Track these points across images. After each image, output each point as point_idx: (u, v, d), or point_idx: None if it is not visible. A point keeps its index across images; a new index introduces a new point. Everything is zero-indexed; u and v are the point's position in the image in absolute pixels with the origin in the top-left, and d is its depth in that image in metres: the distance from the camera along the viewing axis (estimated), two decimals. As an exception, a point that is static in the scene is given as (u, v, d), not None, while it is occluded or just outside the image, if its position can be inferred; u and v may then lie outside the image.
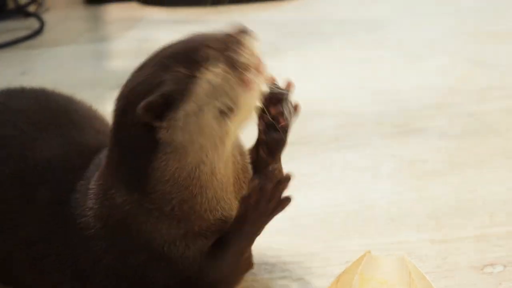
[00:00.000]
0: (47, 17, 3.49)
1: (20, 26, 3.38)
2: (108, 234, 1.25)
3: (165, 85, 1.18)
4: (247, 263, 1.32)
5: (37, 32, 3.28)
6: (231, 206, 1.27)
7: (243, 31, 1.24)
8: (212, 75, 1.19)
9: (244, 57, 1.21)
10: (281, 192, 1.24)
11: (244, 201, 1.23)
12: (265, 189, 1.22)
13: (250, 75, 1.20)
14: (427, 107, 2.16)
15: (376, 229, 1.54)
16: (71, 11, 3.66)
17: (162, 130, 1.17)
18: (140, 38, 3.11)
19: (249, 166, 1.33)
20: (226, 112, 1.19)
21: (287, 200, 1.24)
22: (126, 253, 1.24)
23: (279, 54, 2.73)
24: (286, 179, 1.24)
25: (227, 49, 1.21)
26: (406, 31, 2.94)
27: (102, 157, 1.32)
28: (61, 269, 1.30)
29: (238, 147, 1.31)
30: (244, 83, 1.19)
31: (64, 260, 1.30)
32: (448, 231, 1.51)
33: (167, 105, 1.17)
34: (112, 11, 3.63)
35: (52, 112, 1.42)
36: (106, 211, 1.24)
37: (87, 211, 1.27)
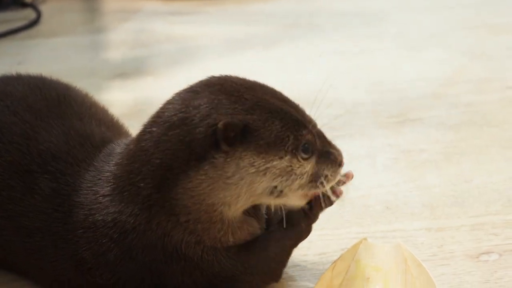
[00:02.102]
0: (44, 7, 3.47)
1: (17, 17, 3.36)
2: (123, 222, 1.23)
3: (258, 121, 1.18)
4: (280, 269, 1.32)
5: (34, 23, 3.27)
6: (248, 232, 1.27)
7: (341, 162, 1.26)
8: (298, 162, 1.21)
9: (329, 179, 1.24)
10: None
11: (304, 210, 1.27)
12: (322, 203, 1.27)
13: (325, 189, 1.24)
14: (424, 97, 2.15)
15: (372, 217, 1.54)
16: (68, 2, 3.64)
17: (222, 153, 1.17)
18: (136, 29, 3.10)
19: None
20: (274, 193, 1.21)
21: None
22: (139, 247, 1.23)
23: (276, 45, 2.72)
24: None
25: (325, 158, 1.24)
26: (403, 23, 2.94)
27: (112, 150, 1.33)
28: (61, 259, 1.30)
29: None
30: (307, 197, 1.25)
31: (65, 251, 1.29)
32: (444, 220, 1.51)
33: (243, 136, 1.17)
34: (109, 2, 3.61)
35: (52, 101, 1.41)
36: (127, 198, 1.24)
37: (101, 198, 1.26)
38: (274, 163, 1.18)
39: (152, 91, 2.31)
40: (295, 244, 1.30)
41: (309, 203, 1.27)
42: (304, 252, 1.41)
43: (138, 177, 1.22)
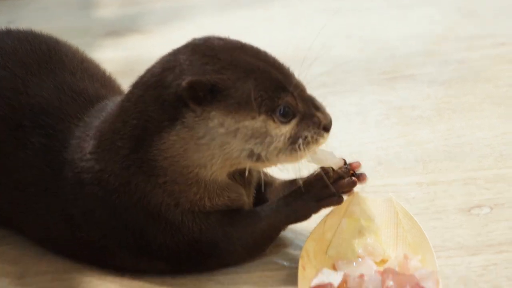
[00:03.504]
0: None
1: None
2: (106, 181, 1.24)
3: (228, 80, 1.16)
4: (266, 245, 1.31)
5: (24, -18, 3.24)
6: (229, 196, 1.27)
7: (329, 125, 1.23)
8: (273, 124, 1.19)
9: (309, 141, 1.21)
10: (340, 187, 1.26)
11: (304, 180, 1.25)
12: (328, 175, 1.24)
13: (305, 152, 1.21)
14: (416, 54, 2.15)
15: (364, 172, 1.54)
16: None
17: (191, 113, 1.17)
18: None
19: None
20: (252, 157, 1.20)
21: (340, 198, 1.27)
22: (122, 206, 1.24)
23: (268, 4, 2.70)
24: (352, 182, 1.27)
25: (307, 120, 1.21)
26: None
27: (104, 106, 1.33)
28: (51, 215, 1.31)
29: None
30: (296, 153, 1.20)
31: (55, 207, 1.30)
32: (436, 175, 1.52)
33: (212, 96, 1.16)
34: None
35: (43, 55, 1.40)
36: (109, 157, 1.24)
37: (88, 156, 1.27)
38: (245, 123, 1.17)
39: (143, 49, 2.30)
40: (286, 225, 1.30)
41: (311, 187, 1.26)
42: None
43: (118, 135, 1.23)
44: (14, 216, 1.37)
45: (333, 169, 1.27)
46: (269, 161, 1.21)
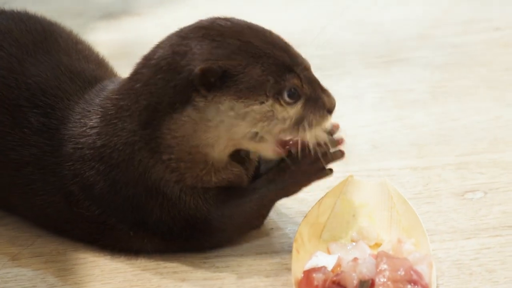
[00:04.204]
0: None
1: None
2: (108, 156, 1.26)
3: (239, 66, 1.18)
4: (260, 219, 1.33)
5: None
6: (232, 172, 1.28)
7: (333, 107, 1.25)
8: (280, 107, 1.21)
9: (313, 124, 1.23)
10: (329, 160, 1.28)
11: (291, 156, 1.26)
12: (315, 150, 1.24)
13: (308, 133, 1.23)
14: (411, 38, 2.15)
15: (359, 156, 1.55)
16: None
17: (201, 97, 1.19)
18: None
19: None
20: (255, 138, 1.22)
21: (329, 171, 1.28)
22: (126, 182, 1.26)
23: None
24: (340, 153, 1.29)
25: (313, 103, 1.23)
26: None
27: (104, 87, 1.34)
28: (50, 192, 1.32)
29: None
30: (297, 134, 1.23)
31: (54, 184, 1.31)
32: (430, 159, 1.52)
33: (222, 81, 1.18)
34: None
35: (38, 35, 1.40)
36: (112, 131, 1.26)
37: (88, 131, 1.28)
38: (254, 107, 1.19)
39: (138, 32, 2.30)
40: (276, 199, 1.30)
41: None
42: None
43: (126, 113, 1.24)
44: (10, 196, 1.37)
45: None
46: (268, 142, 1.23)
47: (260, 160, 1.35)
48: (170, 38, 1.25)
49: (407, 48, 2.07)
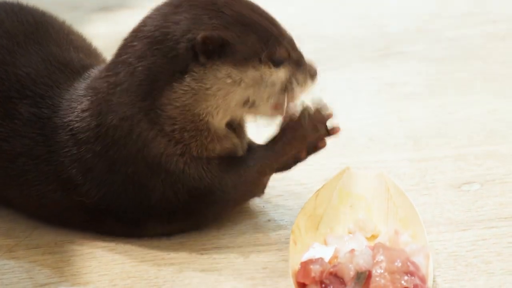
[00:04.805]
0: None
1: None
2: (104, 135, 1.26)
3: (236, 36, 1.23)
4: (261, 188, 1.33)
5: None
6: (229, 141, 1.31)
7: (316, 74, 1.30)
8: (270, 72, 1.25)
9: (299, 88, 1.28)
10: (322, 124, 1.31)
11: (285, 120, 1.29)
12: (310, 115, 1.29)
13: (294, 94, 1.28)
14: (408, 31, 2.15)
15: (355, 148, 1.55)
16: None
17: (200, 66, 1.22)
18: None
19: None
20: (247, 104, 1.26)
21: (324, 143, 1.32)
22: (121, 159, 1.26)
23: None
24: (329, 115, 1.31)
25: (297, 68, 1.28)
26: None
27: (91, 74, 1.34)
28: (45, 182, 1.32)
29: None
30: (275, 107, 1.27)
31: (50, 173, 1.31)
32: (427, 151, 1.52)
33: (221, 50, 1.22)
34: None
35: (29, 26, 1.40)
36: (107, 108, 1.26)
37: (81, 114, 1.29)
38: (248, 73, 1.24)
39: (135, 25, 2.29)
40: (275, 164, 1.31)
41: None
42: (287, 182, 1.42)
43: (121, 87, 1.25)
44: (5, 189, 1.37)
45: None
46: (259, 107, 1.27)
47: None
48: (160, 8, 1.28)
49: (403, 42, 2.07)
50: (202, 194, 1.28)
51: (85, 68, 1.37)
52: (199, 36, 1.20)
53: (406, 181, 1.43)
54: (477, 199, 1.37)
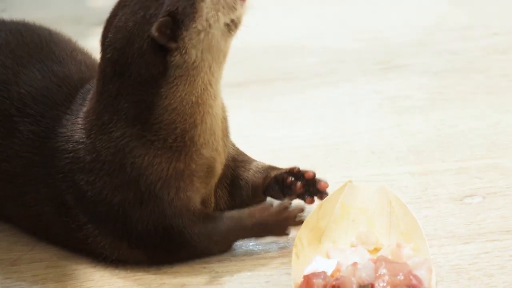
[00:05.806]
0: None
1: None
2: (98, 168, 1.26)
3: (167, 4, 1.20)
4: (227, 245, 1.32)
5: (17, -30, 3.23)
6: (217, 147, 1.30)
7: None
8: None
9: None
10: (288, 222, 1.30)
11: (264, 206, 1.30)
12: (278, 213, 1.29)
13: None
14: (409, 44, 2.15)
15: (357, 162, 1.55)
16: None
17: (175, 52, 1.21)
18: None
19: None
20: (231, 26, 1.25)
21: (286, 234, 1.30)
22: (113, 188, 1.26)
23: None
24: (300, 209, 1.30)
25: None
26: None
27: (89, 90, 1.33)
28: (42, 204, 1.32)
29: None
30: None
31: (46, 195, 1.31)
32: (428, 164, 1.53)
33: (177, 24, 1.20)
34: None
35: (34, 46, 1.41)
36: (100, 145, 1.26)
37: (76, 146, 1.28)
38: (205, 10, 1.21)
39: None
40: (247, 229, 1.30)
41: None
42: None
43: (109, 125, 1.25)
44: (4, 206, 1.38)
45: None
46: (237, 13, 1.25)
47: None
48: (106, 25, 1.28)
49: (405, 55, 2.08)
50: (180, 235, 1.27)
51: (83, 81, 1.37)
52: (152, 30, 1.18)
53: (408, 194, 1.43)
54: (479, 212, 1.37)
